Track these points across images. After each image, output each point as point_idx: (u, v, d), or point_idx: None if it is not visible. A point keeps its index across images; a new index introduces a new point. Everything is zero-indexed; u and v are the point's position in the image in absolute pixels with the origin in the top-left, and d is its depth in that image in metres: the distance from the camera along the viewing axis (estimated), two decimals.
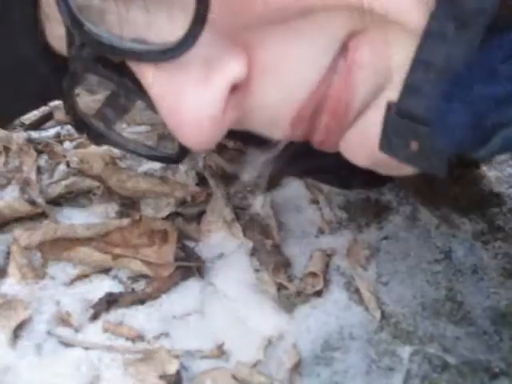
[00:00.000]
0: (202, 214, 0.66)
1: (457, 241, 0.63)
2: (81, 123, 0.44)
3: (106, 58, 0.38)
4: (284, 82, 0.38)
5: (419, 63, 0.35)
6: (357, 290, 0.58)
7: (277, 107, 0.39)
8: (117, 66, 0.38)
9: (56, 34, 0.38)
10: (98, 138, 0.46)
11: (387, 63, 0.38)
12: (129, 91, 0.41)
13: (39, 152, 0.73)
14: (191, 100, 0.35)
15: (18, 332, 0.52)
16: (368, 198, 0.69)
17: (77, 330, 0.53)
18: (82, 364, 0.50)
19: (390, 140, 0.39)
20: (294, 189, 0.70)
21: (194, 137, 0.37)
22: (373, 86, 0.39)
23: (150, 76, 0.37)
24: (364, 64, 0.38)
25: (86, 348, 0.51)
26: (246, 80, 0.37)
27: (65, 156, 0.72)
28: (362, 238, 0.64)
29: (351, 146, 0.42)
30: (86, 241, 0.59)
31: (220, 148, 0.73)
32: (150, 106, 0.39)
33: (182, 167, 0.71)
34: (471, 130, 0.32)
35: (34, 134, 0.77)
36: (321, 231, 0.65)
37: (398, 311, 0.56)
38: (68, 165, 0.71)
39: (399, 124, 0.37)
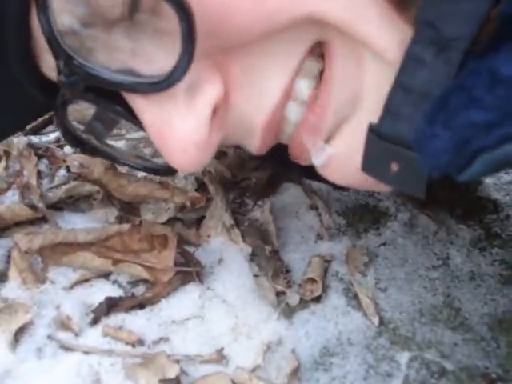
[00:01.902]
0: (201, 219, 0.66)
1: (454, 247, 0.64)
2: (73, 139, 0.45)
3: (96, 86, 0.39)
4: (255, 93, 0.41)
5: (399, 86, 0.37)
6: (355, 296, 0.58)
7: (251, 117, 0.42)
8: (107, 92, 0.40)
9: (48, 63, 0.39)
10: (90, 152, 0.48)
11: (358, 84, 0.40)
12: (120, 115, 0.43)
13: (40, 157, 0.74)
14: (177, 128, 0.38)
15: (18, 336, 0.52)
16: (366, 205, 0.69)
17: (77, 335, 0.53)
18: (82, 368, 0.50)
19: (370, 160, 0.41)
20: (293, 195, 0.70)
21: (182, 162, 0.40)
22: (343, 103, 0.41)
23: (139, 104, 0.39)
24: (336, 81, 0.41)
25: (86, 352, 0.52)
26: (225, 97, 0.40)
27: (65, 161, 0.73)
28: (361, 244, 0.64)
29: (325, 166, 0.45)
30: (86, 245, 0.60)
31: (220, 154, 0.73)
32: (143, 128, 0.41)
33: (181, 173, 0.71)
34: (454, 154, 0.32)
35: (35, 139, 0.78)
36: (319, 237, 0.65)
37: (396, 317, 0.56)
38: (68, 169, 0.71)
39: (379, 145, 0.39)
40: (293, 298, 0.58)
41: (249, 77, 0.40)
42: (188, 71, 0.35)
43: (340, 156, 0.44)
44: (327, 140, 0.44)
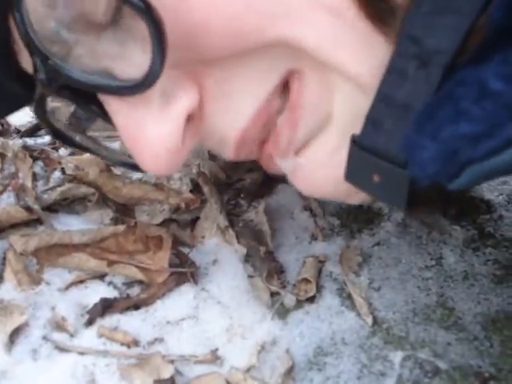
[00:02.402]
0: (196, 220, 0.66)
1: (448, 247, 0.64)
2: (56, 133, 0.46)
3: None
4: (228, 108, 0.41)
5: (381, 98, 0.37)
6: (349, 296, 0.59)
7: (224, 130, 0.42)
8: (83, 91, 0.40)
9: (27, 59, 0.38)
10: (71, 145, 0.48)
11: (328, 107, 0.41)
12: (95, 115, 0.43)
13: (35, 159, 0.74)
14: (150, 133, 0.38)
15: (13, 337, 0.52)
16: (360, 205, 0.69)
17: (72, 335, 0.53)
18: (77, 369, 0.50)
19: (353, 171, 0.41)
20: (288, 196, 0.70)
21: (153, 167, 0.40)
22: (313, 126, 0.42)
23: (113, 105, 0.39)
24: (306, 107, 0.41)
25: (81, 353, 0.52)
26: (199, 106, 0.40)
27: (60, 163, 0.73)
28: (355, 244, 0.64)
29: (293, 176, 0.46)
30: (81, 247, 0.60)
31: (214, 155, 0.73)
32: (117, 129, 0.41)
33: (176, 174, 0.71)
34: (442, 165, 0.32)
35: (30, 141, 0.78)
36: (314, 238, 0.66)
37: (390, 317, 0.57)
38: (63, 171, 0.72)
39: (361, 156, 0.40)
40: (289, 299, 0.58)
41: (222, 91, 0.40)
42: (159, 78, 0.35)
43: (306, 168, 0.45)
44: (296, 151, 0.44)
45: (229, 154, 0.45)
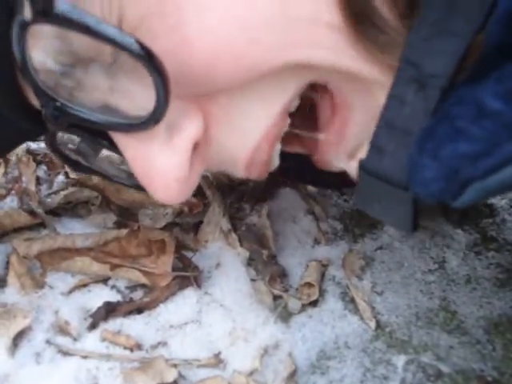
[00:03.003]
0: (199, 224, 0.66)
1: (450, 251, 0.64)
2: (65, 160, 0.47)
3: None
4: (234, 130, 0.41)
5: (383, 124, 0.37)
6: (352, 300, 0.59)
7: (232, 152, 0.43)
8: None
9: (33, 95, 0.38)
10: (83, 171, 0.49)
11: (376, 107, 0.39)
12: (105, 148, 0.43)
13: (38, 163, 0.74)
14: (158, 165, 0.39)
15: (17, 341, 0.52)
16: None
17: (75, 339, 0.53)
18: (81, 373, 0.50)
19: (361, 194, 0.42)
20: (290, 200, 0.71)
21: (165, 197, 0.41)
22: (363, 127, 0.41)
23: (122, 140, 0.40)
24: (353, 107, 0.41)
25: (85, 357, 0.52)
26: (205, 132, 0.40)
27: (63, 167, 0.73)
28: (357, 248, 0.64)
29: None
30: (84, 251, 0.60)
31: None
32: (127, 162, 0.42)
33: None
34: (445, 183, 0.33)
35: (33, 145, 0.78)
36: (317, 242, 0.66)
37: (393, 320, 0.57)
38: (67, 175, 0.72)
39: (367, 181, 0.40)
40: (294, 303, 0.58)
41: (228, 115, 0.40)
42: (164, 116, 0.36)
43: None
44: (350, 155, 0.44)
45: (241, 174, 0.45)
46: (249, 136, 0.42)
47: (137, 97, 0.37)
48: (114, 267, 0.59)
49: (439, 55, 0.33)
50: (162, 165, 0.39)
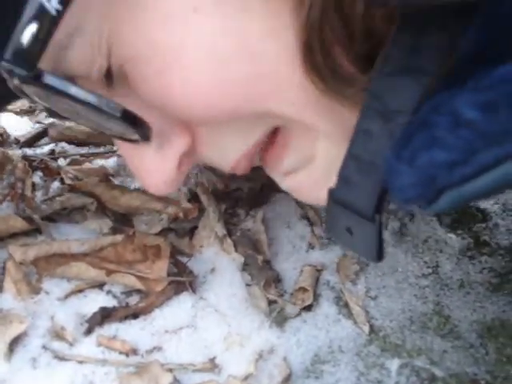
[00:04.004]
0: (194, 229, 0.67)
1: (444, 256, 0.64)
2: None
3: None
4: (218, 150, 0.46)
5: (350, 157, 0.40)
6: (346, 304, 0.59)
7: (216, 162, 0.48)
8: None
9: None
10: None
11: (312, 151, 0.45)
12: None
13: (34, 169, 0.74)
14: (149, 168, 0.44)
15: (13, 346, 0.52)
16: None
17: (71, 344, 0.53)
18: (77, 378, 0.51)
19: (331, 222, 0.44)
20: (285, 205, 0.71)
21: (155, 192, 0.47)
22: (296, 163, 0.46)
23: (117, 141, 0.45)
24: (291, 149, 0.45)
25: (81, 362, 0.52)
26: (192, 145, 0.45)
27: (59, 173, 0.73)
28: (351, 253, 0.65)
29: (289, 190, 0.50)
30: (80, 256, 0.60)
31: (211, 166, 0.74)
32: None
33: None
34: (421, 189, 0.33)
35: (29, 151, 0.79)
36: (311, 246, 0.66)
37: (387, 325, 0.57)
38: (62, 181, 0.72)
39: (336, 210, 0.43)
40: (290, 308, 0.58)
41: (212, 139, 0.45)
42: (151, 141, 0.41)
43: (292, 188, 0.49)
44: (284, 174, 0.48)
45: (227, 172, 0.49)
46: (229, 155, 0.46)
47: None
48: (109, 273, 0.59)
49: (402, 91, 0.35)
50: (153, 169, 0.44)
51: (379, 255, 0.42)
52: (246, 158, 0.46)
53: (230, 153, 0.46)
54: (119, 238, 0.62)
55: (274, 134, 0.45)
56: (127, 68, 0.39)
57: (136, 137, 0.41)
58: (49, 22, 0.32)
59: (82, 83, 0.40)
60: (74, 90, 0.36)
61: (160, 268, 0.59)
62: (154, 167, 0.44)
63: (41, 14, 0.32)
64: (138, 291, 0.59)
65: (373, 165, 0.38)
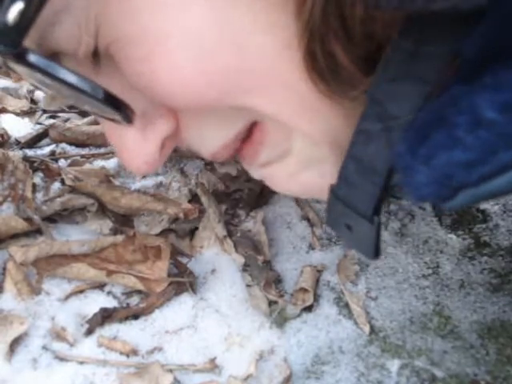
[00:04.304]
0: (194, 230, 0.67)
1: (444, 256, 0.64)
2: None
3: None
4: (200, 137, 0.46)
5: (350, 158, 0.40)
6: (346, 305, 0.59)
7: (197, 149, 0.47)
8: None
9: None
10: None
11: (287, 146, 0.45)
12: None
13: (34, 170, 0.74)
14: (131, 148, 0.44)
15: (14, 347, 0.52)
16: None
17: (72, 345, 0.53)
18: (77, 378, 0.51)
19: (331, 217, 0.45)
20: (285, 206, 0.71)
21: (135, 172, 0.46)
22: (272, 156, 0.46)
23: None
24: (266, 145, 0.45)
25: (81, 362, 0.52)
26: (176, 130, 0.45)
27: (60, 174, 0.73)
28: (352, 253, 0.65)
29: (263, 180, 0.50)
30: (80, 257, 0.60)
31: (213, 167, 0.74)
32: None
33: (175, 184, 0.72)
34: (437, 188, 0.33)
35: (30, 152, 0.79)
36: (311, 247, 0.66)
37: (387, 325, 0.57)
38: (63, 182, 0.72)
39: (336, 205, 0.43)
40: (291, 309, 0.58)
41: (195, 125, 0.45)
42: (133, 123, 0.41)
43: (268, 179, 0.49)
44: (260, 166, 0.48)
45: (205, 157, 0.49)
46: (210, 143, 0.46)
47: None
48: (110, 273, 0.59)
49: (402, 97, 0.35)
50: (135, 150, 0.44)
51: (376, 253, 0.43)
52: (225, 148, 0.46)
53: (210, 141, 0.46)
54: (119, 238, 0.62)
55: (251, 129, 0.45)
56: (114, 49, 0.38)
57: (118, 119, 0.40)
58: (35, 1, 0.32)
59: (69, 60, 0.40)
60: (57, 70, 0.36)
61: (160, 269, 0.59)
62: (137, 148, 0.44)
63: None
64: (139, 292, 0.59)
65: (372, 168, 0.39)
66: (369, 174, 0.39)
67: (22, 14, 0.32)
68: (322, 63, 0.37)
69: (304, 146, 0.44)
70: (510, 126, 0.30)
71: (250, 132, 0.45)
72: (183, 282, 0.60)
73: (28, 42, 0.34)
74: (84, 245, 0.61)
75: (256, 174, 0.50)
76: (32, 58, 0.34)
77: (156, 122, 0.43)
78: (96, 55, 0.40)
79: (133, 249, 0.61)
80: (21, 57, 0.34)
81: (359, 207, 0.41)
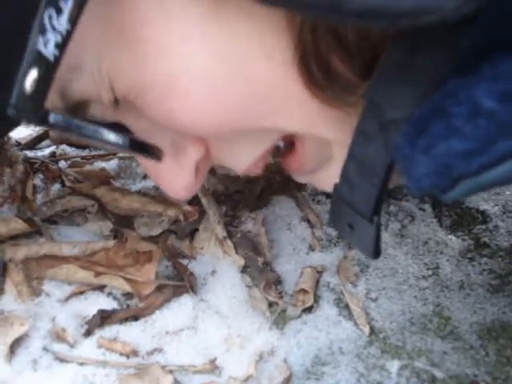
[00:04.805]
0: (194, 231, 0.67)
1: (444, 257, 0.65)
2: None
3: None
4: (230, 157, 0.47)
5: (351, 158, 0.41)
6: (346, 306, 0.59)
7: (230, 166, 0.49)
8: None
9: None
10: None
11: (328, 153, 0.46)
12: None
13: (35, 171, 0.74)
14: (168, 177, 0.46)
15: (14, 348, 0.52)
16: None
17: (72, 346, 0.54)
18: (77, 379, 0.51)
19: (334, 215, 0.46)
20: (285, 207, 0.71)
21: (176, 197, 0.49)
22: (316, 164, 0.47)
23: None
24: (308, 156, 0.46)
25: (81, 363, 0.52)
26: (207, 153, 0.46)
27: (60, 175, 0.73)
28: (352, 254, 0.65)
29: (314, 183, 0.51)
30: (71, 259, 0.60)
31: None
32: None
33: None
34: (437, 178, 0.34)
35: (30, 154, 0.79)
36: (311, 248, 0.66)
37: (387, 326, 0.57)
38: (63, 184, 0.72)
39: (339, 205, 0.44)
40: (292, 310, 0.59)
41: (223, 146, 0.46)
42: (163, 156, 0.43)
43: (319, 181, 0.50)
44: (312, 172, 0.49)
45: (239, 173, 0.50)
46: (241, 161, 0.47)
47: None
48: (98, 274, 0.59)
49: (399, 99, 0.35)
50: (171, 179, 0.46)
51: (376, 253, 0.43)
52: (257, 164, 0.47)
53: (241, 159, 0.47)
54: (111, 243, 0.62)
55: (291, 141, 0.46)
56: (131, 97, 0.40)
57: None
58: (48, 68, 0.33)
59: (94, 105, 0.41)
60: (79, 127, 0.37)
61: (148, 271, 0.59)
62: (173, 177, 0.46)
63: (39, 61, 0.33)
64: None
65: (371, 169, 0.39)
66: (368, 175, 0.40)
67: (37, 82, 0.33)
68: (318, 74, 0.38)
69: (340, 148, 0.44)
70: (508, 115, 0.30)
71: (290, 145, 0.46)
72: (176, 284, 0.60)
73: (50, 98, 0.35)
74: (75, 247, 0.61)
75: (303, 179, 0.51)
76: (53, 118, 0.35)
77: (186, 149, 0.45)
78: (117, 102, 0.41)
79: (124, 254, 0.61)
80: (43, 120, 0.35)
81: (360, 207, 0.42)
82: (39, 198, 0.71)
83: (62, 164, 0.78)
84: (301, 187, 0.73)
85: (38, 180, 0.74)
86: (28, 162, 0.75)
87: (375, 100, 0.37)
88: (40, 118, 0.35)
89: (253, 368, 0.52)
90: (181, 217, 0.67)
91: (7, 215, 0.66)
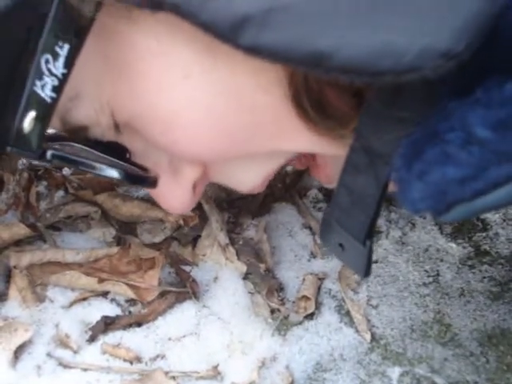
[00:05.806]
0: (197, 238, 0.67)
1: (444, 265, 0.65)
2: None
3: None
4: (234, 179, 0.47)
5: (342, 185, 0.41)
6: (348, 313, 0.59)
7: (233, 186, 0.48)
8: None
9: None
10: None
11: None
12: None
13: (38, 178, 0.75)
14: (166, 194, 0.46)
15: (18, 354, 0.53)
16: None
17: (76, 352, 0.54)
18: None
19: (325, 234, 0.46)
20: (287, 214, 0.71)
21: (173, 212, 0.51)
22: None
23: None
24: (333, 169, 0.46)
25: (85, 369, 0.53)
26: (205, 173, 0.46)
27: (63, 182, 0.74)
28: None
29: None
30: (74, 266, 0.61)
31: None
32: None
33: None
34: (432, 202, 0.34)
35: (34, 161, 0.79)
36: (313, 255, 0.67)
37: (388, 333, 0.58)
38: (66, 190, 0.72)
39: (331, 225, 0.44)
40: (294, 317, 0.59)
41: (226, 169, 0.46)
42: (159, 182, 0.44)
43: None
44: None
45: (243, 192, 0.50)
46: (246, 182, 0.47)
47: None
48: (101, 281, 0.59)
49: (385, 136, 0.36)
50: (168, 195, 0.46)
51: (368, 273, 0.44)
52: (260, 187, 0.47)
53: (246, 180, 0.47)
54: (114, 250, 0.63)
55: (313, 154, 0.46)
56: (132, 125, 0.40)
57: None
58: (45, 109, 0.34)
59: (94, 130, 0.41)
60: (77, 161, 0.39)
61: (152, 277, 0.60)
62: (170, 193, 0.46)
63: (37, 103, 0.33)
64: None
65: (362, 199, 0.40)
66: (359, 204, 0.40)
67: (35, 122, 0.34)
68: (310, 110, 0.38)
69: None
70: (501, 144, 0.30)
71: (313, 157, 0.47)
72: (180, 291, 0.60)
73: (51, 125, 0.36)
74: (79, 253, 0.62)
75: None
76: (51, 155, 0.37)
77: (183, 170, 0.45)
78: (117, 127, 0.41)
79: (127, 260, 0.61)
80: (42, 157, 0.36)
81: (352, 231, 0.42)
82: (43, 204, 0.71)
83: (66, 171, 0.78)
84: (302, 195, 0.73)
85: (41, 187, 0.74)
86: (32, 169, 0.75)
87: (363, 133, 0.37)
88: (39, 155, 0.36)
89: (255, 374, 0.52)
90: (181, 222, 0.67)
91: (11, 222, 0.67)
